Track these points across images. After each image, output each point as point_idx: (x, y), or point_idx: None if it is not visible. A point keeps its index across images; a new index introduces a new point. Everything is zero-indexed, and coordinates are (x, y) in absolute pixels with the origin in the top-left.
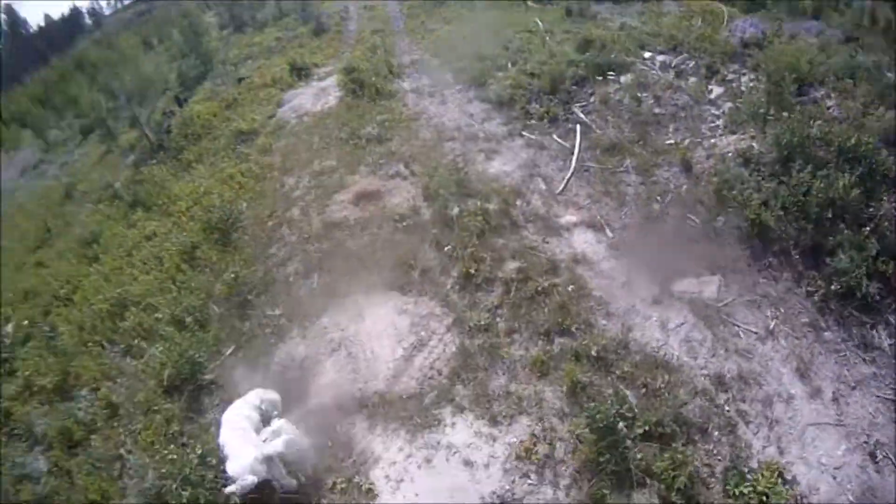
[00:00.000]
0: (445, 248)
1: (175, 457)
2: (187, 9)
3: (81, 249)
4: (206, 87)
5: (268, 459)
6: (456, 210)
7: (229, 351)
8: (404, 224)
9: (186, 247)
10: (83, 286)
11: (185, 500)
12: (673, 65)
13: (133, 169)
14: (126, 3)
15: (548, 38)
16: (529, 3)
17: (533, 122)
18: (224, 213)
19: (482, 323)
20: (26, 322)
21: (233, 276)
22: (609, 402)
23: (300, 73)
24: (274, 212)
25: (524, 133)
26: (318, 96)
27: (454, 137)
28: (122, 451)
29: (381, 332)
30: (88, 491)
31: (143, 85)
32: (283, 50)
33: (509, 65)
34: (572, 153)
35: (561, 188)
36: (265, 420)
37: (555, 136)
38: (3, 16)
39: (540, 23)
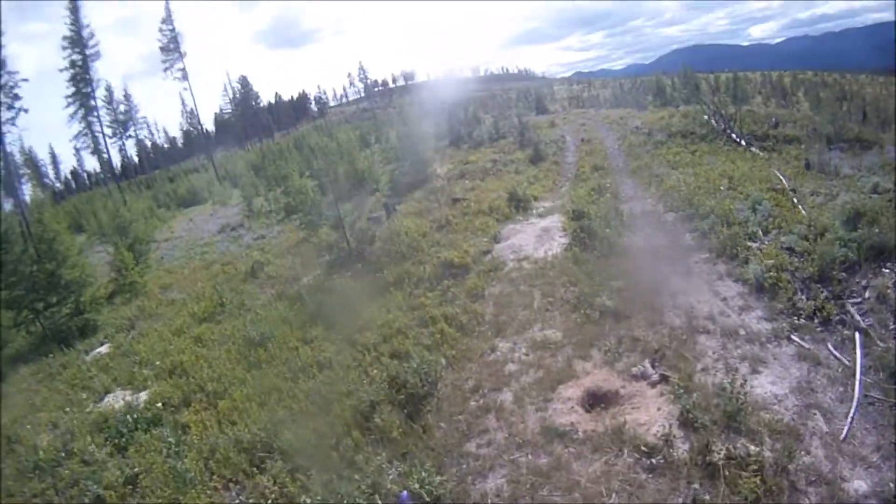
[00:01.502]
0: None
1: None
2: (407, 115)
3: (246, 348)
4: (416, 197)
5: None
6: (722, 453)
7: None
8: (651, 461)
9: (364, 405)
10: (232, 395)
11: None
12: None
13: (325, 271)
14: (350, 98)
15: (795, 200)
16: (754, 150)
17: (801, 321)
18: (419, 371)
19: None
20: (160, 404)
21: (416, 482)
22: None
23: (519, 205)
24: (480, 387)
25: (793, 337)
26: (540, 239)
27: (709, 330)
28: None
29: None
30: None
31: (355, 180)
32: (498, 173)
33: (760, 233)
34: (853, 374)
35: (844, 433)
36: None
37: (830, 347)
38: (238, 85)
39: (783, 178)
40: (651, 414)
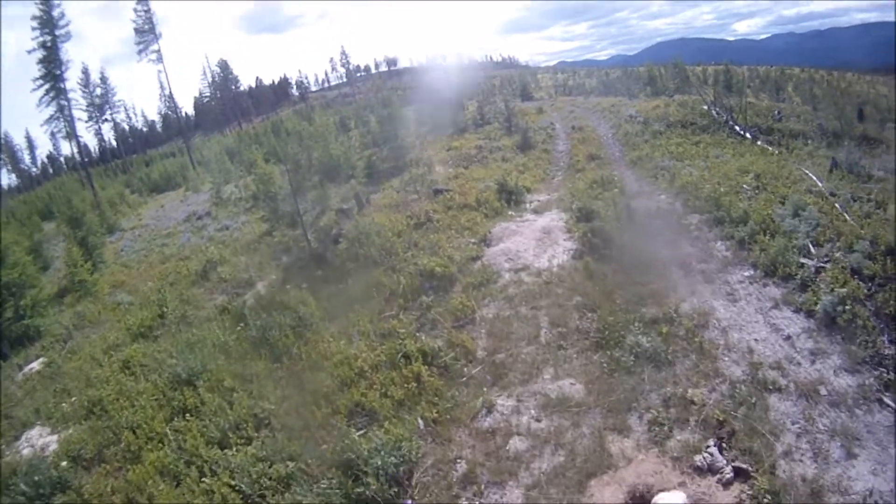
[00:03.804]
0: None
1: None
2: (389, 98)
3: (173, 386)
4: (394, 186)
5: None
6: None
7: None
8: None
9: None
10: (148, 457)
11: None
12: None
13: (281, 276)
14: (332, 83)
15: (838, 206)
16: (761, 144)
17: (891, 374)
18: (384, 466)
19: None
20: (67, 462)
21: None
22: None
23: (510, 197)
24: (474, 477)
25: (885, 399)
26: (541, 243)
27: (780, 386)
28: None
29: None
30: None
31: (329, 167)
32: (484, 161)
33: (811, 246)
34: None
35: None
36: None
37: None
38: (217, 68)
39: (816, 179)
40: None
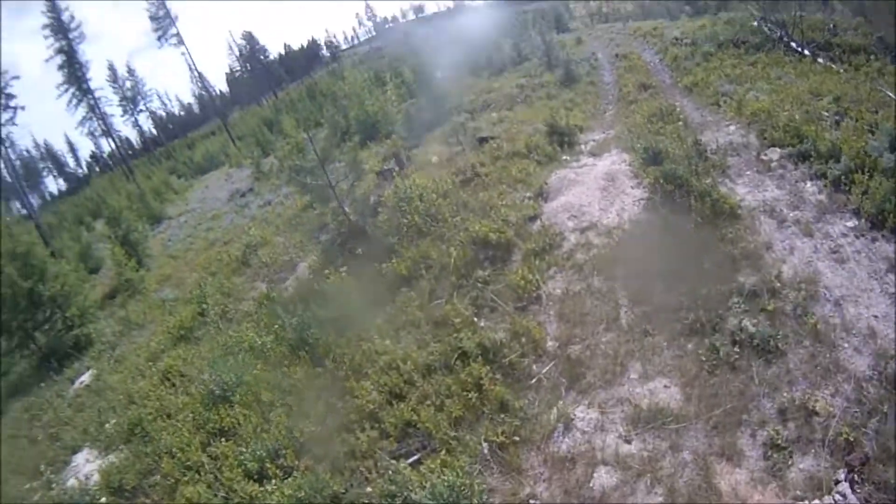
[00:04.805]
0: None
1: None
2: (417, 47)
3: (205, 409)
4: (436, 137)
5: None
6: None
7: None
8: None
9: None
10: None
11: None
12: None
13: (321, 256)
14: (361, 39)
15: None
16: (822, 61)
17: None
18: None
19: None
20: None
21: None
22: None
23: (563, 139)
24: None
25: None
26: (606, 192)
27: None
28: None
29: None
30: None
31: (367, 124)
32: (528, 100)
33: None
34: None
35: None
36: None
37: None
38: (243, 41)
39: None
40: None
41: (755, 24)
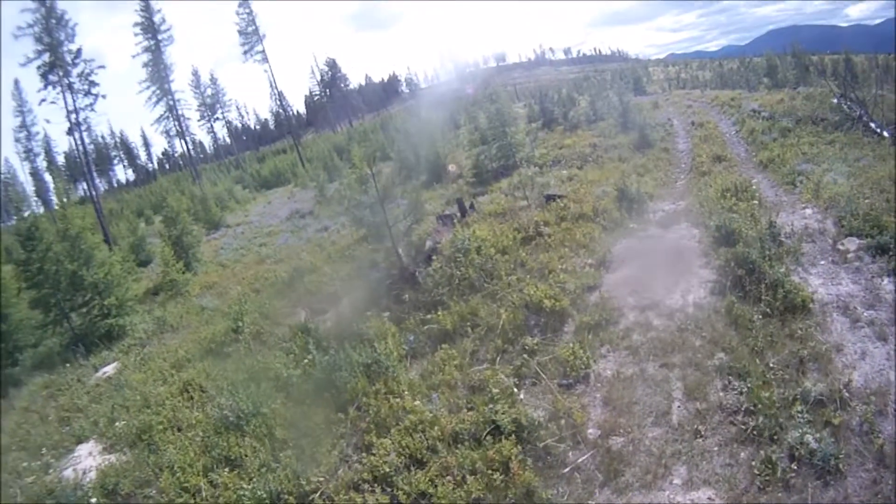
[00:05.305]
0: None
1: None
2: (497, 94)
3: (216, 434)
4: (502, 187)
5: None
6: None
7: None
8: None
9: None
10: None
11: None
12: None
13: (367, 295)
14: (441, 80)
15: None
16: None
17: None
18: None
19: None
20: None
21: None
22: None
23: (632, 206)
24: None
25: None
26: (672, 268)
27: None
28: None
29: None
30: None
31: (437, 166)
32: (599, 160)
33: None
34: None
35: None
36: None
37: None
38: (325, 67)
39: None
40: None
41: (834, 101)
